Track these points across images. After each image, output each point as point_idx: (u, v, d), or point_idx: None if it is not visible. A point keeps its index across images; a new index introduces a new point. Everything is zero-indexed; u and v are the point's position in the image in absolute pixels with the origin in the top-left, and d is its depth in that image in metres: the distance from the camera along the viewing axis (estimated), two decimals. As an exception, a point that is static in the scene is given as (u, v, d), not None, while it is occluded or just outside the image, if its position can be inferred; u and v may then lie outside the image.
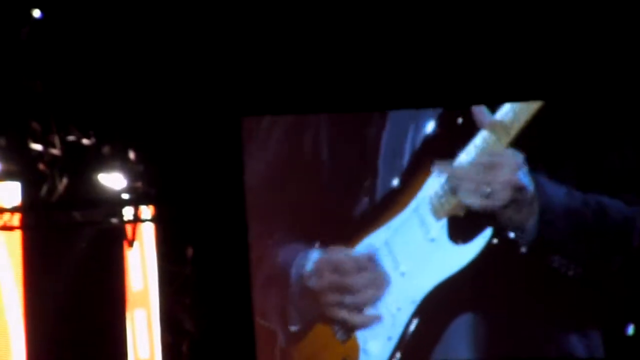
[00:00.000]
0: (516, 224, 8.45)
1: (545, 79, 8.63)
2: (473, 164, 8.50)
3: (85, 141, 8.57)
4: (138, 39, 8.53)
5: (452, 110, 8.64)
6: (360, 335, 8.65)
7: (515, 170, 8.44)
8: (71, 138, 8.50)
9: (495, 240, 8.52)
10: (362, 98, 8.73)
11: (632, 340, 8.48)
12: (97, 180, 8.57)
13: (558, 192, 8.47)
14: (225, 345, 8.79)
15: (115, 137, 8.67)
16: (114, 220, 8.86)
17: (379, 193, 8.67)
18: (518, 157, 8.46)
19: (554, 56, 8.60)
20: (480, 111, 8.53)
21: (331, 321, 8.65)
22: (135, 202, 8.83)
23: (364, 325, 8.62)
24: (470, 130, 8.57)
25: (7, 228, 8.59)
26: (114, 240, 8.92)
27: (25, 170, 8.46)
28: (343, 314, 8.61)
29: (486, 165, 8.47)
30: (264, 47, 8.70)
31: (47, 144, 8.41)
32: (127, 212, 8.87)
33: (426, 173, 8.63)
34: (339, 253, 8.66)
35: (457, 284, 8.54)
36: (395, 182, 8.65)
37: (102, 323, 8.75)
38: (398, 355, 8.60)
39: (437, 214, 8.57)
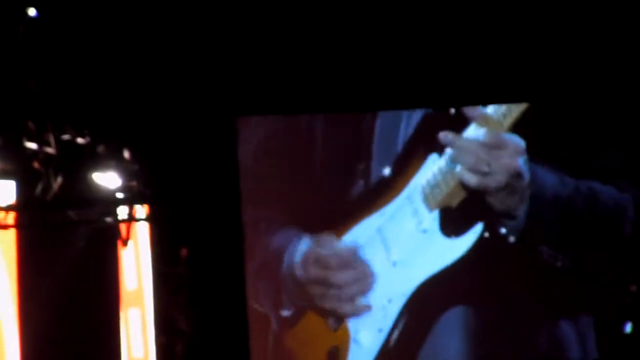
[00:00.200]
0: (507, 209, 8.46)
1: (531, 80, 8.66)
2: (478, 140, 8.49)
3: (80, 140, 8.56)
4: (133, 39, 8.53)
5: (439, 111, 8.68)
6: (351, 325, 8.66)
7: (516, 155, 8.45)
8: (66, 137, 8.48)
9: (486, 234, 8.53)
10: (353, 98, 8.74)
11: (629, 338, 8.52)
12: (92, 179, 8.56)
13: (550, 181, 8.49)
14: (220, 345, 8.79)
15: (110, 136, 8.66)
16: (109, 219, 8.86)
17: (374, 177, 8.66)
18: (521, 143, 8.48)
19: (540, 58, 8.64)
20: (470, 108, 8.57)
21: (320, 310, 8.65)
22: (130, 201, 8.83)
23: (354, 314, 8.62)
24: (463, 118, 8.59)
25: (2, 227, 8.56)
26: (109, 239, 8.91)
27: (20, 168, 8.43)
28: (330, 304, 8.62)
29: (490, 144, 8.47)
30: (257, 47, 8.71)
31: (42, 142, 8.38)
32: (122, 211, 8.88)
33: (420, 160, 8.62)
34: (327, 245, 8.65)
35: (448, 277, 8.56)
36: (390, 167, 8.64)
37: (96, 322, 8.74)
38: (388, 347, 8.60)
39: (429, 205, 8.57)
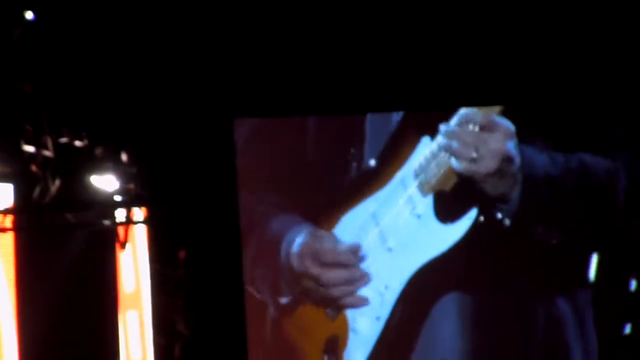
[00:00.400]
0: (499, 193, 8.43)
1: (505, 83, 8.69)
2: (466, 124, 8.46)
3: (77, 143, 8.56)
4: (131, 41, 8.53)
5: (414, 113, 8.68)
6: (349, 314, 8.64)
7: (506, 139, 8.41)
8: (64, 140, 8.49)
9: (481, 218, 8.50)
10: (343, 100, 8.76)
11: (629, 339, 8.53)
12: (90, 182, 8.56)
13: (540, 161, 8.48)
14: (218, 347, 8.79)
15: (108, 138, 8.66)
16: (107, 222, 8.85)
17: (367, 160, 8.63)
18: (510, 127, 8.45)
19: (513, 61, 8.67)
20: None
21: (314, 302, 8.63)
22: (128, 204, 8.83)
23: (352, 305, 8.60)
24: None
25: (0, 230, 8.58)
26: (107, 242, 8.91)
27: (17, 171, 8.43)
28: (320, 299, 8.59)
29: (480, 126, 8.41)
30: (255, 49, 8.71)
31: (39, 145, 8.38)
32: (120, 214, 8.87)
33: (413, 143, 8.59)
34: (326, 241, 8.62)
35: (444, 263, 8.53)
36: (382, 150, 8.61)
37: (94, 324, 8.74)
38: (387, 334, 8.59)
39: (422, 189, 8.54)
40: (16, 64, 8.24)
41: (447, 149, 8.41)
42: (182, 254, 8.87)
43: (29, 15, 8.17)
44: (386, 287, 8.59)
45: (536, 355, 8.55)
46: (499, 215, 8.46)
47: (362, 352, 8.65)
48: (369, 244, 8.65)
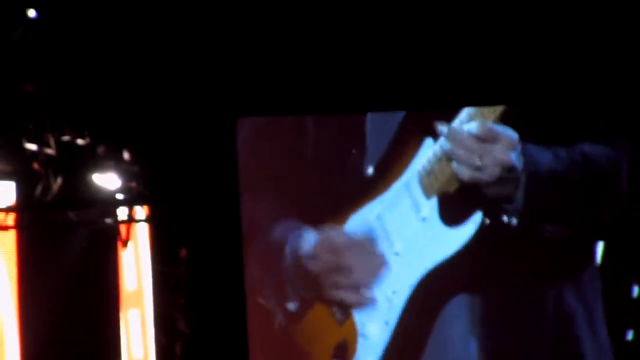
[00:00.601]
0: (504, 197, 8.42)
1: (508, 82, 8.68)
2: (470, 132, 8.43)
3: (80, 141, 8.57)
4: (133, 40, 8.53)
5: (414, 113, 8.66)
6: (358, 319, 8.59)
7: (509, 149, 8.39)
8: (66, 138, 8.50)
9: (487, 221, 8.48)
10: (347, 100, 8.76)
11: (632, 345, 8.51)
12: (92, 180, 8.57)
13: (544, 158, 8.45)
14: (219, 346, 8.79)
15: (110, 137, 8.67)
16: (109, 221, 8.87)
17: (370, 162, 8.61)
18: (513, 136, 8.45)
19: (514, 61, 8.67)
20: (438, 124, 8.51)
21: (328, 302, 8.60)
22: (130, 203, 8.84)
23: (359, 304, 8.56)
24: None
25: (2, 228, 8.59)
26: (109, 240, 8.92)
27: (19, 170, 8.46)
28: (339, 294, 8.56)
29: (482, 136, 8.41)
30: (259, 48, 8.70)
31: (41, 143, 8.41)
32: (122, 212, 8.89)
33: (416, 144, 8.57)
34: (335, 233, 8.60)
35: (451, 266, 8.49)
36: (385, 152, 8.60)
37: (96, 323, 8.75)
38: (396, 338, 8.56)
39: (426, 192, 8.52)
40: (18, 62, 8.26)
41: (451, 153, 8.40)
42: (183, 253, 8.87)
43: (32, 13, 8.18)
44: (394, 292, 8.57)
45: (547, 353, 8.54)
46: (505, 217, 8.45)
47: (372, 357, 8.60)
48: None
